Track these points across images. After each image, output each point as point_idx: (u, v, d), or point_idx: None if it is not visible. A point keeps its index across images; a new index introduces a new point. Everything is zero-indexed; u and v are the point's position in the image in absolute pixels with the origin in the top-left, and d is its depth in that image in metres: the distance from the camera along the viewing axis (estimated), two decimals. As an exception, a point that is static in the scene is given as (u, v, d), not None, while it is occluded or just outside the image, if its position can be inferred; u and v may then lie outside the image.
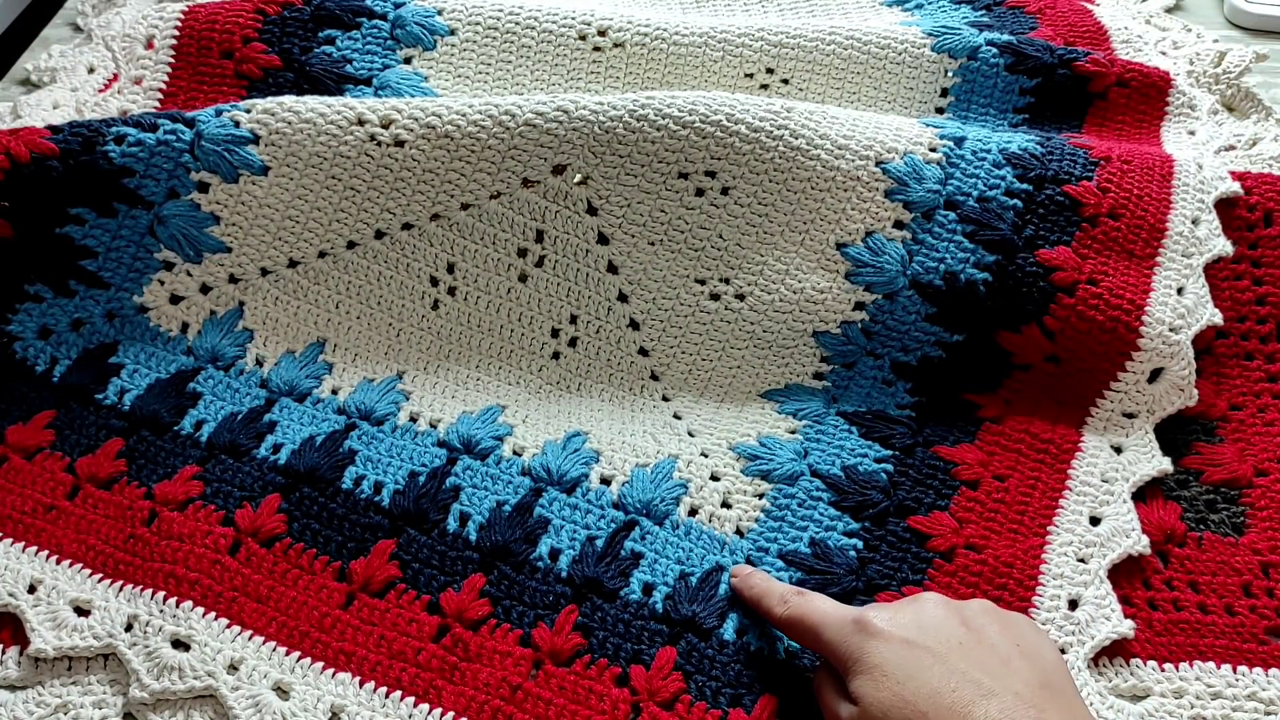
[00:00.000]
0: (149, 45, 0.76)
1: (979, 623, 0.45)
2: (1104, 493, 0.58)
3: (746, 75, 0.78)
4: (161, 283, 0.63)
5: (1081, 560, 0.55)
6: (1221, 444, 0.62)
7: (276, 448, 0.59)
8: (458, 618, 0.52)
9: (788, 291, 0.63)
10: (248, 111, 0.63)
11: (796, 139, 0.63)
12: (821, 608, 0.47)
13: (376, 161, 0.63)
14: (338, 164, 0.63)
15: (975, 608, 0.46)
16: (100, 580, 0.53)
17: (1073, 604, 0.54)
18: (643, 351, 0.65)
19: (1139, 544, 0.56)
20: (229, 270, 0.64)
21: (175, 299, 0.64)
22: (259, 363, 0.63)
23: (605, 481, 0.58)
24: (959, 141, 0.66)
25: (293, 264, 0.64)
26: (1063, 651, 0.52)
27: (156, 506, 0.55)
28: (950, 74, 0.78)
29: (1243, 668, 0.52)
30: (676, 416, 0.63)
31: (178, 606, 0.51)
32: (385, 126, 0.63)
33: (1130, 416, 0.62)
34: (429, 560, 0.54)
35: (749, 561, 0.55)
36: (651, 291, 0.64)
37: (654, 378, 0.64)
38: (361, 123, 0.63)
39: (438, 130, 0.63)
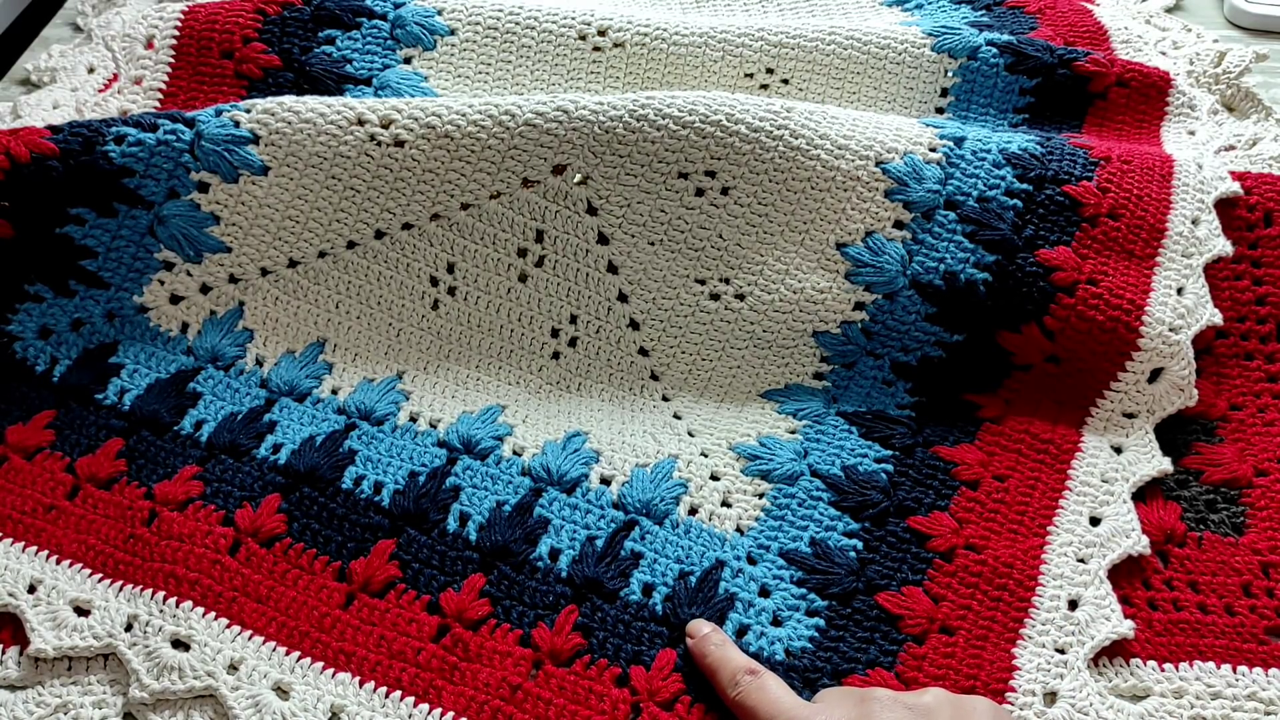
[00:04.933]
0: (149, 45, 0.76)
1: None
2: (1104, 493, 0.58)
3: (746, 75, 0.78)
4: (161, 283, 0.63)
5: (1081, 560, 0.55)
6: (1221, 444, 0.62)
7: (276, 448, 0.59)
8: (458, 618, 0.52)
9: (788, 291, 0.63)
10: (248, 111, 0.63)
11: (796, 139, 0.63)
12: (772, 699, 0.46)
13: (376, 161, 0.63)
14: (338, 164, 0.63)
15: (929, 701, 0.45)
16: (100, 580, 0.53)
17: (1073, 604, 0.54)
18: (643, 351, 0.65)
19: (1139, 544, 0.56)
20: (229, 270, 0.64)
21: (175, 299, 0.64)
22: (259, 363, 0.63)
23: (605, 481, 0.58)
24: (959, 141, 0.66)
25: (293, 264, 0.64)
26: (1061, 652, 0.52)
27: (156, 506, 0.55)
28: (950, 74, 0.78)
29: (1243, 668, 0.52)
30: (676, 416, 0.63)
31: (178, 606, 0.51)
32: (385, 126, 0.63)
33: (1130, 416, 0.62)
34: (429, 560, 0.54)
35: (749, 559, 0.55)
36: (651, 291, 0.64)
37: (654, 378, 0.64)
38: (361, 123, 0.63)
39: (438, 130, 0.63)
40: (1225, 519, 0.58)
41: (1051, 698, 0.51)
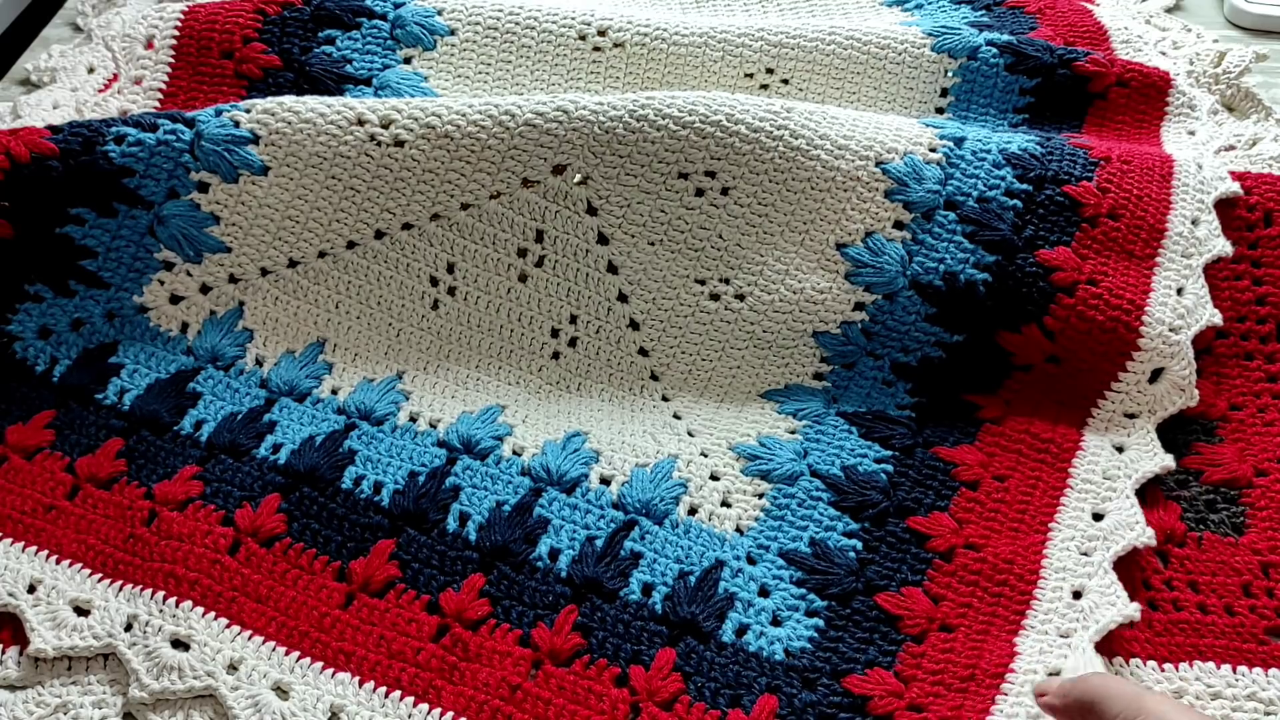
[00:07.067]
0: (149, 45, 0.76)
1: None
2: (1106, 489, 0.58)
3: (746, 75, 0.78)
4: (161, 283, 0.63)
5: (1085, 554, 0.55)
6: (1221, 444, 0.62)
7: (276, 447, 0.59)
8: (457, 618, 0.52)
9: (788, 291, 0.63)
10: (248, 111, 0.63)
11: (796, 139, 0.63)
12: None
13: (376, 161, 0.63)
14: (338, 164, 0.63)
15: None
16: (100, 580, 0.53)
17: (1076, 594, 0.53)
18: (643, 351, 0.65)
19: (1143, 536, 0.55)
20: (229, 270, 0.64)
21: (175, 299, 0.64)
22: (259, 363, 0.63)
23: (605, 481, 0.58)
24: (959, 142, 0.66)
25: (293, 264, 0.64)
26: (1065, 636, 0.51)
27: (156, 506, 0.55)
28: (950, 74, 0.78)
29: (1243, 668, 0.52)
30: (676, 416, 0.63)
31: (177, 606, 0.51)
32: (385, 126, 0.63)
33: (1131, 417, 0.62)
34: (429, 560, 0.54)
35: (749, 559, 0.55)
36: (651, 291, 0.64)
37: (654, 378, 0.64)
38: (361, 123, 0.63)
39: (438, 130, 0.63)
40: (1225, 519, 0.58)
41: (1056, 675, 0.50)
